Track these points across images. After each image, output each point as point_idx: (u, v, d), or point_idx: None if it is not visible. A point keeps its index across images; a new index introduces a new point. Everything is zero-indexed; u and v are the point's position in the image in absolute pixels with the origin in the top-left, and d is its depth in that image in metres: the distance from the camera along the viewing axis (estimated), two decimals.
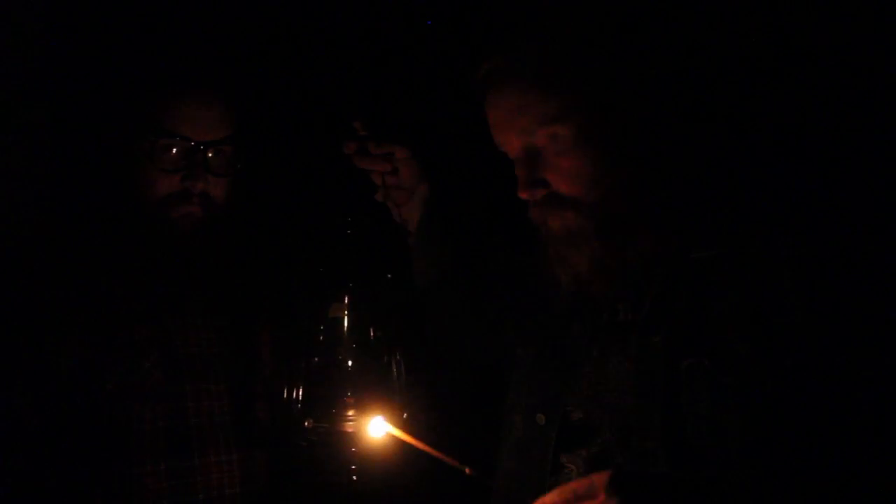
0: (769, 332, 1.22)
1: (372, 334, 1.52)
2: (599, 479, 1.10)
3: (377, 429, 1.43)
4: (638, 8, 1.30)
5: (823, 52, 1.66)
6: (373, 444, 1.42)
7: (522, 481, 1.42)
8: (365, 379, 1.51)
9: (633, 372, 1.32)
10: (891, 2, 1.63)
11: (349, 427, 1.48)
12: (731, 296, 1.26)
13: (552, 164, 1.32)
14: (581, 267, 1.34)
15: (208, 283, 1.73)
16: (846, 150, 1.64)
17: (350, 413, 1.50)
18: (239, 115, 1.71)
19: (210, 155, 1.63)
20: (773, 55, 1.65)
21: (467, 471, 1.25)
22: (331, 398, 1.52)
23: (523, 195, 1.35)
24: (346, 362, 1.53)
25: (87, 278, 1.63)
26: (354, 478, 1.47)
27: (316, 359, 1.53)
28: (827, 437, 1.19)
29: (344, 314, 1.54)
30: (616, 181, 1.30)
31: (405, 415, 1.46)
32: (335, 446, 1.48)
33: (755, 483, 1.17)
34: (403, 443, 1.36)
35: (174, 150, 1.61)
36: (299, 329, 1.80)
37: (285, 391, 1.83)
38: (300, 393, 1.52)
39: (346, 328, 1.54)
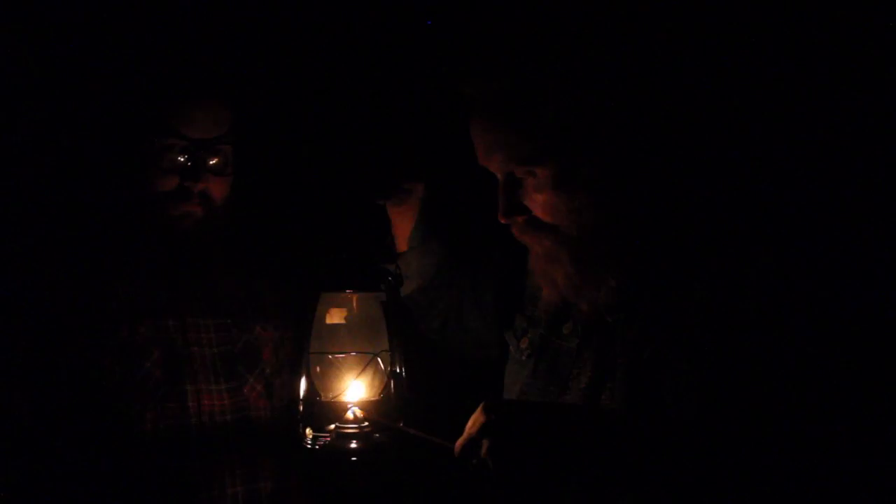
0: (727, 321, 1.27)
1: None
2: (480, 407, 1.25)
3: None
4: (614, 56, 1.34)
5: (792, 77, 1.71)
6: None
7: None
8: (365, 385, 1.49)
9: (619, 368, 1.35)
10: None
11: (351, 435, 1.46)
12: (695, 293, 1.31)
13: (529, 193, 1.36)
14: (559, 284, 1.40)
15: (208, 283, 1.73)
16: (811, 162, 1.68)
17: (352, 421, 1.48)
18: (238, 114, 1.70)
19: (209, 154, 1.63)
20: (740, 85, 1.70)
21: (399, 425, 1.38)
22: (331, 406, 1.50)
23: (502, 220, 1.40)
24: (346, 369, 1.50)
25: (88, 278, 1.63)
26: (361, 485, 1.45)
27: (318, 368, 1.51)
28: (776, 416, 1.23)
29: (343, 320, 1.52)
30: (590, 216, 1.34)
31: (401, 423, 1.44)
32: (336, 454, 1.45)
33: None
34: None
35: (173, 149, 1.61)
36: (299, 331, 1.80)
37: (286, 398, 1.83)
38: (301, 402, 1.50)
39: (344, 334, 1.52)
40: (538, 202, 1.36)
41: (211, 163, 1.64)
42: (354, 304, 1.52)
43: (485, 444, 1.22)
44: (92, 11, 2.09)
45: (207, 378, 1.67)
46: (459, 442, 1.25)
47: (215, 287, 1.74)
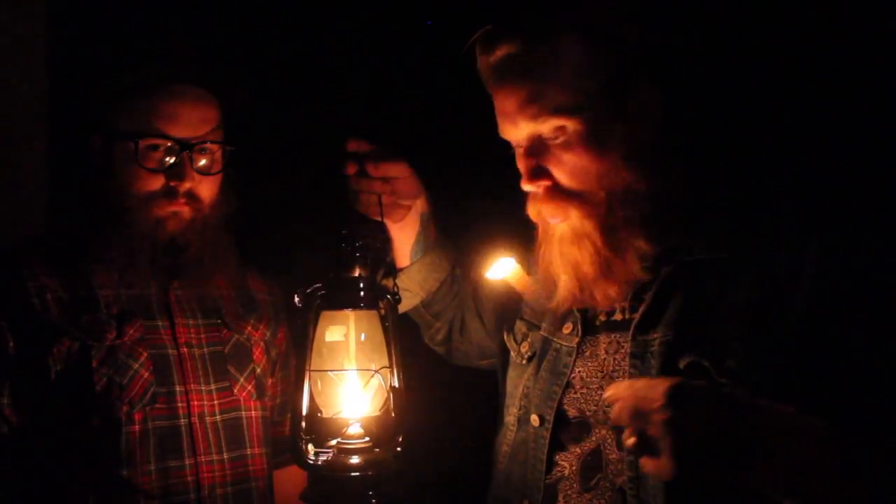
0: (768, 333, 1.22)
1: None
2: (662, 385, 1.12)
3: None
4: (658, 13, 1.31)
5: (826, 56, 1.64)
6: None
7: (517, 483, 1.46)
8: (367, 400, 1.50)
9: (630, 368, 1.33)
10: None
11: (353, 451, 1.47)
12: (731, 296, 1.26)
13: (556, 155, 1.33)
14: (584, 266, 1.35)
15: (198, 283, 1.73)
16: (846, 154, 1.63)
17: (353, 437, 1.49)
18: (225, 113, 1.70)
19: (195, 153, 1.63)
20: (776, 61, 1.63)
21: None
22: (333, 421, 1.51)
23: (526, 185, 1.36)
24: (348, 384, 1.51)
25: (76, 279, 1.64)
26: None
27: (318, 385, 1.52)
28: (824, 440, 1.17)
29: (343, 337, 1.52)
30: (618, 180, 1.30)
31: (400, 438, 1.45)
32: (338, 471, 1.47)
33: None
34: None
35: (159, 149, 1.61)
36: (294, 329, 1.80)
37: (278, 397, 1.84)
38: (302, 419, 1.51)
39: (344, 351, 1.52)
40: (564, 163, 1.32)
41: (199, 163, 1.64)
42: (353, 322, 1.52)
43: (668, 439, 1.09)
44: (78, 8, 2.09)
45: (197, 379, 1.69)
46: (628, 396, 1.14)
47: (205, 287, 1.75)
